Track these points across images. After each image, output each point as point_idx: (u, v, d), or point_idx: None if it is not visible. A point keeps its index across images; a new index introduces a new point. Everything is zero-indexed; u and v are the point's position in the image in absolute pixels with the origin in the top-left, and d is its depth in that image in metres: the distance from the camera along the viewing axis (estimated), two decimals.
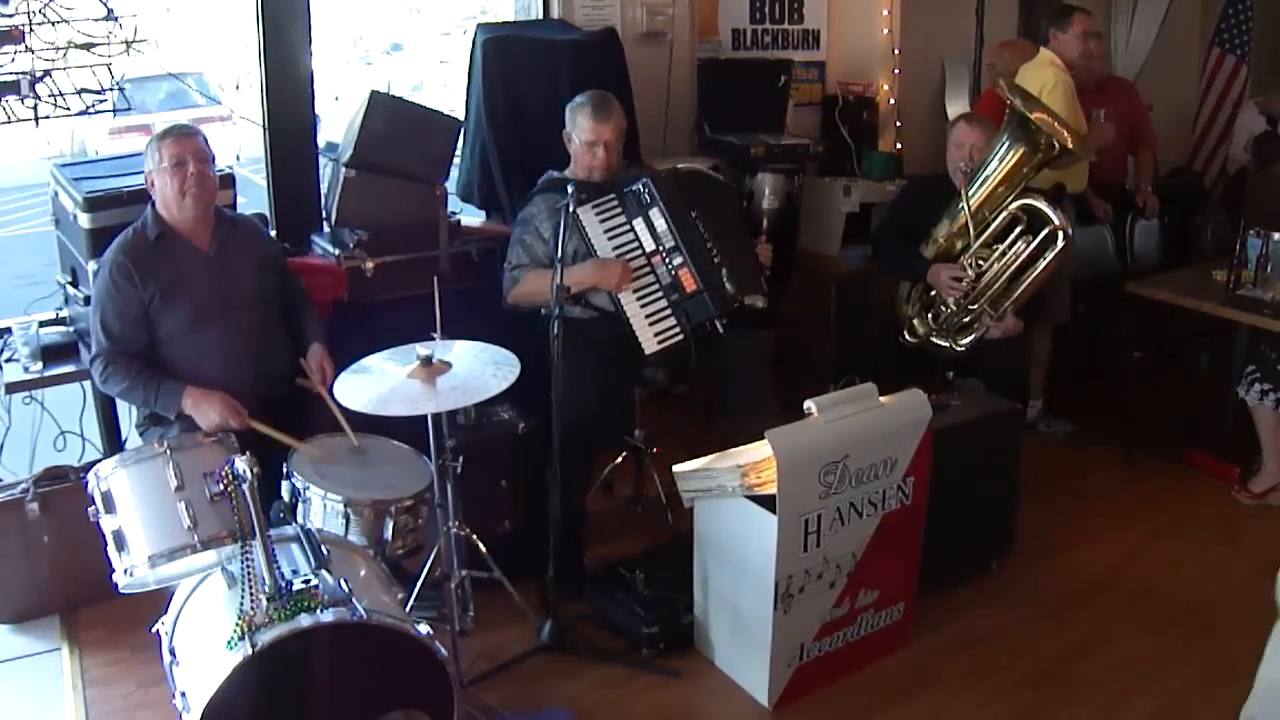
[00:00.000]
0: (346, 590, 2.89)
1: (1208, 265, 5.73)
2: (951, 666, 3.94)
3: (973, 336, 4.79)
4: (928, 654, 4.01)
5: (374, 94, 4.68)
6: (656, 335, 4.16)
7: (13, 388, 4.23)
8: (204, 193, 3.80)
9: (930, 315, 4.91)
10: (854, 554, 3.69)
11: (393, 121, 4.66)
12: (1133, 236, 6.54)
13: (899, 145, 6.65)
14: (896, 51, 6.57)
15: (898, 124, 6.64)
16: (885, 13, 6.52)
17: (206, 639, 2.90)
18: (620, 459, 4.91)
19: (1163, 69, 7.73)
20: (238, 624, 2.77)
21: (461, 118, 5.10)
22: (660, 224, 4.16)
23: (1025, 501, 4.62)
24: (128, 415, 4.26)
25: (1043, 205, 4.58)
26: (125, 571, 3.16)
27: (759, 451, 3.51)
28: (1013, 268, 4.67)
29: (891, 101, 6.61)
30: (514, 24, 5.62)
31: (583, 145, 4.32)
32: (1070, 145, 4.55)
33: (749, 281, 4.29)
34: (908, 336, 4.96)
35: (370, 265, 4.59)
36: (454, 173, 5.16)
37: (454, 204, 5.11)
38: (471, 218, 5.30)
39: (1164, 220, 6.66)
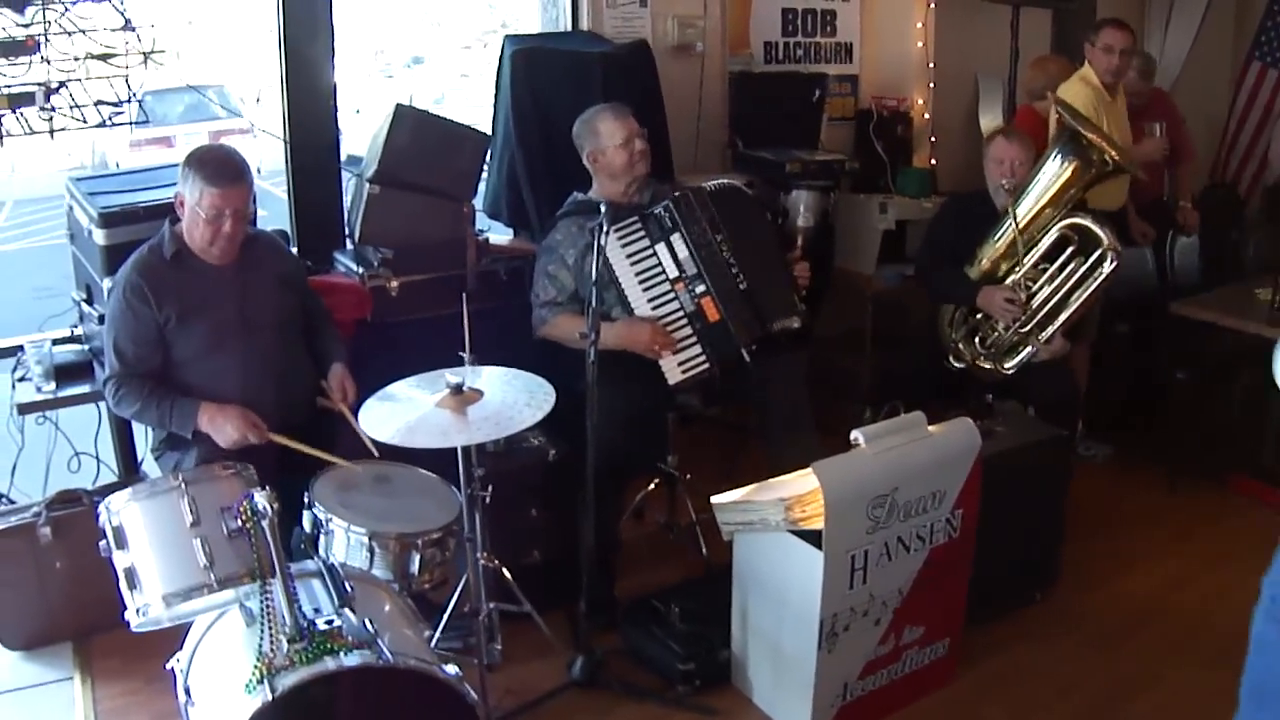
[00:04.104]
0: (371, 631, 2.77)
1: (1250, 283, 5.61)
2: (996, 704, 3.81)
3: (1020, 359, 4.66)
4: (972, 691, 3.88)
5: (399, 107, 4.56)
6: (681, 365, 4.04)
7: (25, 409, 4.16)
8: (232, 246, 3.71)
9: (977, 338, 4.77)
10: (900, 590, 3.57)
11: (418, 136, 4.54)
12: (1173, 254, 6.42)
13: (933, 161, 6.53)
14: (931, 66, 6.46)
15: (932, 139, 6.52)
16: (919, 26, 6.43)
17: (224, 680, 2.79)
18: (652, 486, 4.76)
19: (1196, 82, 7.61)
20: (257, 666, 2.65)
21: (487, 132, 4.98)
22: (682, 250, 4.02)
23: (1067, 528, 4.49)
24: (144, 436, 4.15)
25: (1093, 225, 4.47)
26: (138, 611, 3.03)
27: (803, 484, 3.39)
28: (1065, 289, 4.55)
29: (926, 116, 6.49)
30: (543, 36, 5.52)
31: (618, 148, 4.17)
32: (1121, 162, 4.45)
33: (779, 306, 4.16)
34: (953, 361, 4.82)
35: (395, 284, 4.47)
36: (481, 189, 5.04)
37: (481, 221, 5.00)
38: (499, 235, 5.18)
39: (1203, 237, 6.54)
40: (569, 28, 5.59)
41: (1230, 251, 6.89)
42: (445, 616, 3.70)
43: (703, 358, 4.04)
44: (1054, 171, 4.53)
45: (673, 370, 4.03)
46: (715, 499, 3.60)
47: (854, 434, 3.41)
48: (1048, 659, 4.06)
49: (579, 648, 3.77)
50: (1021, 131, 4.97)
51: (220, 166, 3.64)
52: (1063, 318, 4.57)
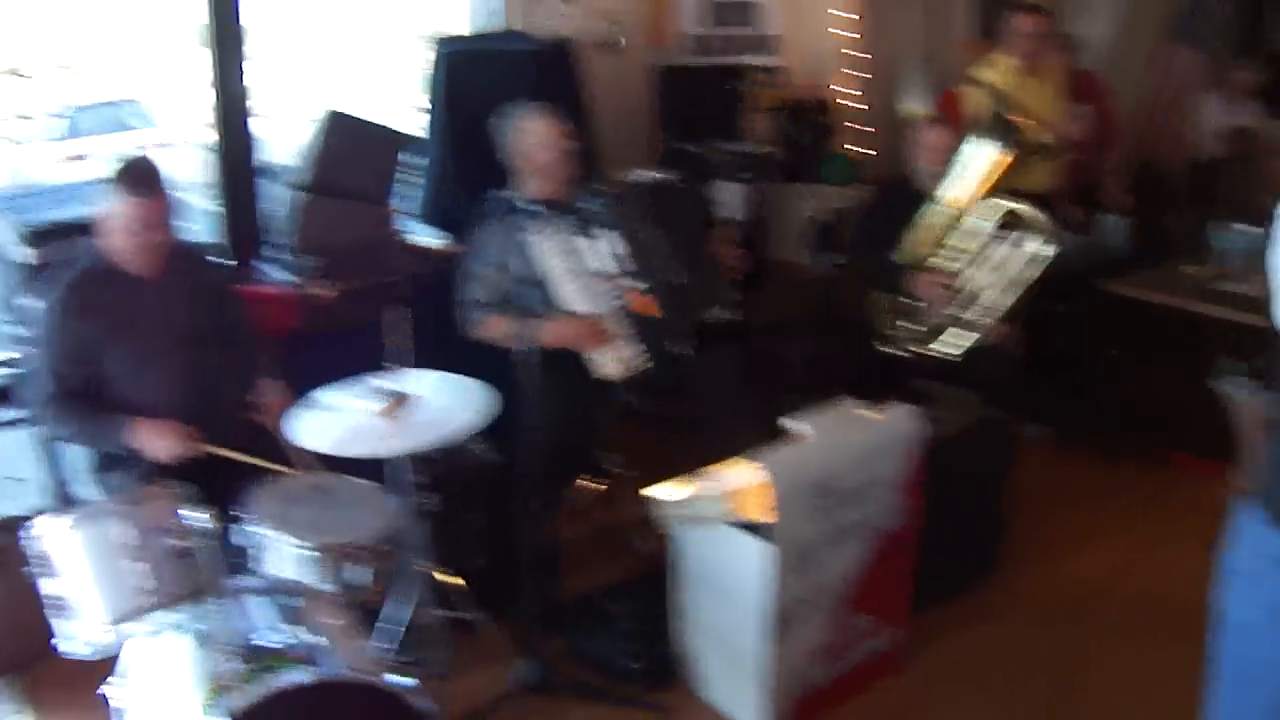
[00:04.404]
0: (320, 645, 2.73)
1: (1177, 260, 5.68)
2: (949, 688, 3.83)
3: (964, 344, 4.67)
4: (923, 676, 3.89)
5: (329, 114, 4.51)
6: (617, 361, 4.02)
7: None
8: (157, 257, 3.62)
9: (910, 323, 4.78)
10: (847, 579, 3.57)
11: (348, 142, 4.51)
12: (1103, 234, 6.47)
13: (858, 149, 6.54)
14: (854, 54, 6.47)
15: (856, 127, 6.54)
16: (842, 15, 6.44)
17: (172, 707, 2.74)
18: (592, 485, 4.73)
19: (1119, 63, 7.67)
20: (206, 689, 2.62)
21: (417, 135, 4.94)
22: (616, 246, 4.00)
23: (1010, 511, 4.53)
24: (79, 460, 4.06)
25: (1023, 208, 4.49)
26: (76, 638, 2.95)
27: (743, 475, 3.38)
28: (1000, 273, 4.56)
29: (850, 105, 6.50)
30: (471, 38, 5.49)
31: (546, 147, 4.14)
32: (1049, 143, 4.47)
33: (713, 299, 4.17)
34: (887, 346, 4.82)
35: (326, 292, 4.41)
36: (416, 193, 5.00)
37: (413, 225, 4.95)
38: (431, 239, 5.13)
39: (1131, 216, 6.59)
40: (500, 27, 5.55)
41: (1158, 230, 6.96)
42: (390, 627, 3.64)
43: (639, 352, 4.02)
44: (980, 154, 4.53)
45: (609, 366, 4.01)
46: (655, 493, 3.59)
47: (795, 423, 3.40)
48: (997, 642, 4.08)
49: (526, 652, 3.73)
50: (948, 117, 4.99)
51: (138, 176, 3.57)
52: (1004, 303, 4.58)
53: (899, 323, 4.79)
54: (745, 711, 3.55)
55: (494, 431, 3.82)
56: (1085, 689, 3.81)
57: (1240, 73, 7.61)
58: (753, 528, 3.33)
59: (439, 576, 3.70)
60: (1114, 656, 3.97)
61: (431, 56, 5.03)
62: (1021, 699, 3.77)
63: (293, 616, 2.83)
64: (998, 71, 5.42)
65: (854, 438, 3.50)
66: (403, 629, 3.64)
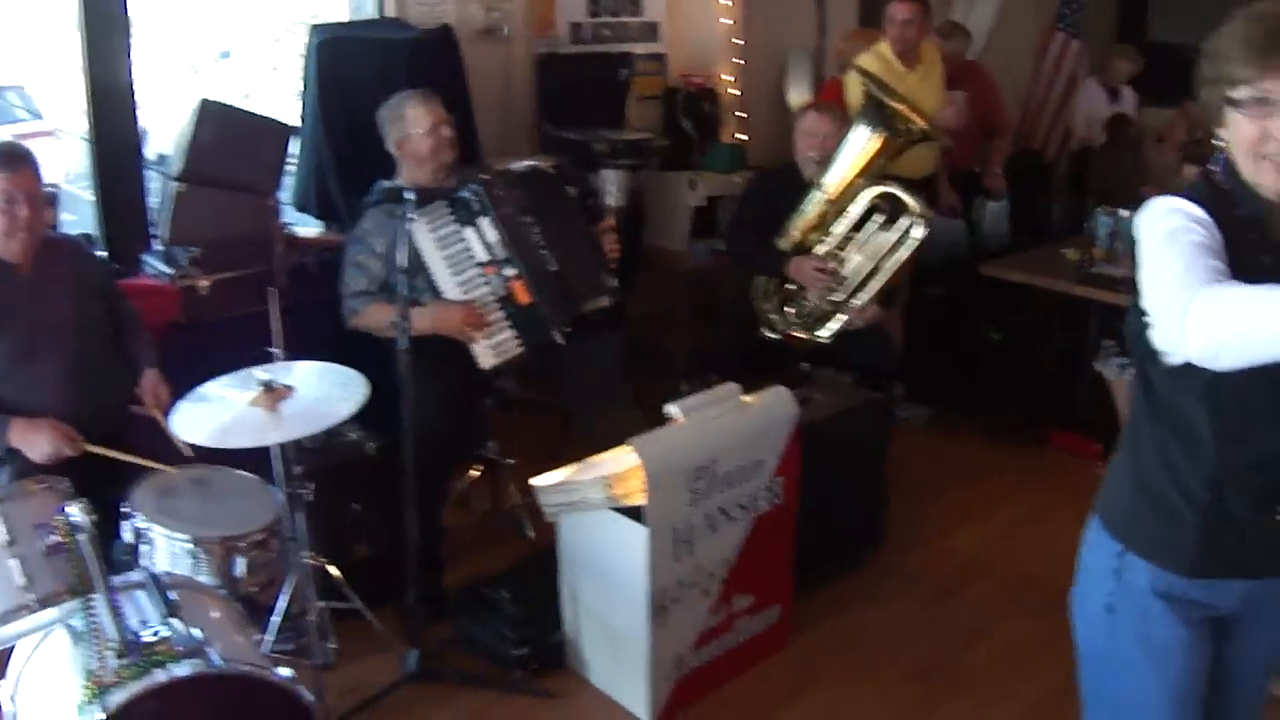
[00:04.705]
0: (200, 638, 2.70)
1: (1057, 244, 5.79)
2: (833, 666, 3.88)
3: (835, 327, 4.73)
4: (808, 655, 3.94)
5: (203, 103, 4.45)
6: (493, 348, 3.98)
7: None
8: (33, 236, 3.52)
9: (790, 308, 4.83)
10: (727, 560, 3.61)
11: (223, 131, 4.44)
12: (982, 219, 6.59)
13: (742, 136, 6.59)
14: (738, 42, 6.51)
15: (740, 115, 6.58)
16: (725, 3, 6.47)
17: (54, 705, 2.68)
18: (474, 473, 4.73)
19: (1001, 52, 7.80)
20: (86, 686, 2.57)
21: (294, 124, 4.89)
22: (491, 234, 3.96)
23: (890, 489, 4.61)
24: None
25: (901, 192, 4.55)
26: None
27: (622, 460, 3.42)
28: (874, 256, 4.62)
29: (734, 92, 6.54)
30: (347, 25, 5.42)
31: (425, 135, 4.11)
32: (927, 129, 4.54)
33: (590, 287, 4.15)
34: (767, 331, 4.87)
35: (205, 283, 4.36)
36: (291, 182, 4.94)
37: (291, 215, 4.90)
38: (309, 228, 5.09)
39: (1011, 201, 6.72)
40: (376, 15, 5.49)
41: (1038, 215, 7.10)
42: (275, 618, 3.62)
43: (515, 340, 4.00)
44: (860, 141, 4.58)
45: (485, 354, 3.98)
46: (536, 481, 3.60)
47: (669, 407, 3.44)
48: (880, 619, 4.15)
49: (412, 641, 3.72)
50: (832, 104, 5.05)
51: (3, 154, 3.51)
52: (875, 285, 4.64)
53: (779, 307, 4.84)
54: (630, 694, 3.58)
55: (376, 421, 3.83)
56: (968, 664, 3.88)
57: (1119, 61, 7.79)
58: (632, 512, 3.36)
59: (322, 567, 3.67)
60: (995, 631, 4.05)
61: (308, 44, 4.97)
62: (905, 675, 3.83)
63: (174, 610, 2.79)
64: (878, 59, 5.49)
65: (731, 421, 3.53)
66: (286, 620, 3.62)
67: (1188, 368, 1.85)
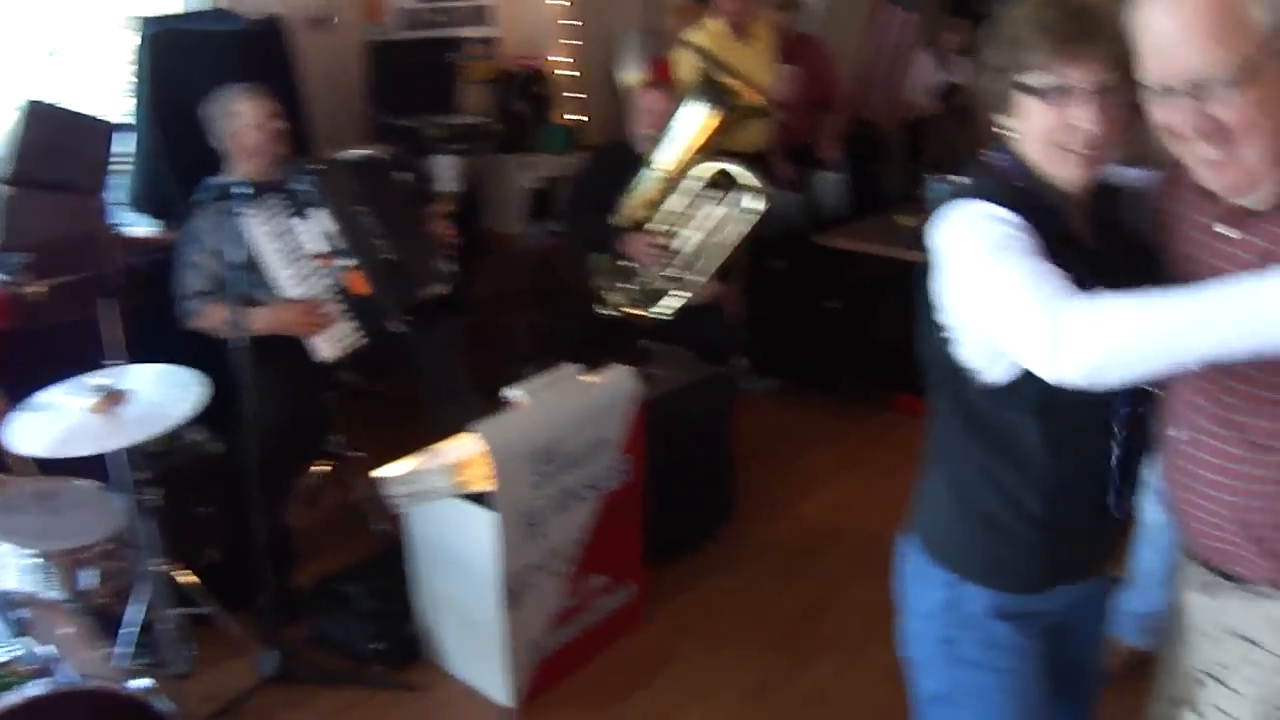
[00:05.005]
0: (51, 656, 2.65)
1: (892, 212, 5.90)
2: (691, 639, 3.92)
3: (673, 304, 4.77)
4: (665, 630, 3.98)
5: (29, 103, 4.33)
6: (332, 341, 3.96)
7: None
8: None
9: (627, 285, 4.87)
10: (578, 540, 3.63)
11: (51, 131, 4.31)
12: (818, 190, 6.69)
13: (575, 117, 6.60)
14: (569, 22, 6.51)
15: (573, 96, 6.60)
16: None
17: None
18: (321, 468, 4.68)
19: (836, 25, 7.89)
20: None
21: (125, 120, 4.78)
22: (326, 225, 3.91)
23: (740, 462, 4.66)
24: None
25: (736, 167, 4.60)
26: None
27: (467, 447, 3.40)
28: (710, 231, 4.67)
29: (566, 73, 6.54)
30: (177, 17, 5.30)
31: (255, 128, 4.04)
32: (760, 103, 4.60)
33: (427, 275, 4.14)
34: (603, 309, 4.91)
35: (36, 289, 4.24)
36: (125, 181, 4.84)
37: (125, 214, 4.80)
38: (144, 228, 4.98)
39: (847, 172, 6.83)
40: (207, 6, 5.37)
41: (873, 185, 7.22)
42: (128, 629, 3.56)
43: (354, 331, 3.97)
44: (694, 117, 4.62)
45: (325, 348, 3.94)
46: (381, 473, 3.56)
47: (511, 391, 3.45)
48: (735, 590, 4.20)
49: (269, 643, 3.67)
50: (668, 82, 5.09)
51: None
52: (713, 260, 4.69)
53: (617, 285, 4.87)
54: (489, 681, 3.58)
55: (219, 422, 3.78)
56: (823, 629, 3.94)
57: (951, 32, 7.95)
58: (480, 499, 3.35)
59: (173, 574, 3.59)
60: (848, 595, 4.12)
61: (136, 38, 4.86)
62: (763, 644, 3.88)
63: (22, 629, 2.74)
64: (708, 35, 5.53)
65: (573, 402, 3.55)
66: (140, 630, 3.52)
67: (1015, 384, 1.83)
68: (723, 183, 4.66)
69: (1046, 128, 1.82)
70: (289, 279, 3.90)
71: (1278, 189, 1.71)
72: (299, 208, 3.90)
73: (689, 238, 4.70)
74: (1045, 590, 2.08)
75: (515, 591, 3.43)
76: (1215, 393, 1.84)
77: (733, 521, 4.59)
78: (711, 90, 4.60)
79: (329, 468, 4.67)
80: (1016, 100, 1.85)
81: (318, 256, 3.92)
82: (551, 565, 3.55)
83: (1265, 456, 1.82)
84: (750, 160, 4.83)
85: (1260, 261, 1.72)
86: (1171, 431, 1.95)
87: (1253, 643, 1.95)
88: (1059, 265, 1.73)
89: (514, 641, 3.48)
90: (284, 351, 3.85)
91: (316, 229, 3.90)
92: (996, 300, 1.72)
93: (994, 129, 1.94)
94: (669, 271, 4.73)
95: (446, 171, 4.86)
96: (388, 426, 4.76)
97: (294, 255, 3.92)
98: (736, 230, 4.65)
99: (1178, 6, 1.62)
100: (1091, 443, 1.96)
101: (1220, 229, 1.81)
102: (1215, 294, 1.50)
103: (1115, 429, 1.95)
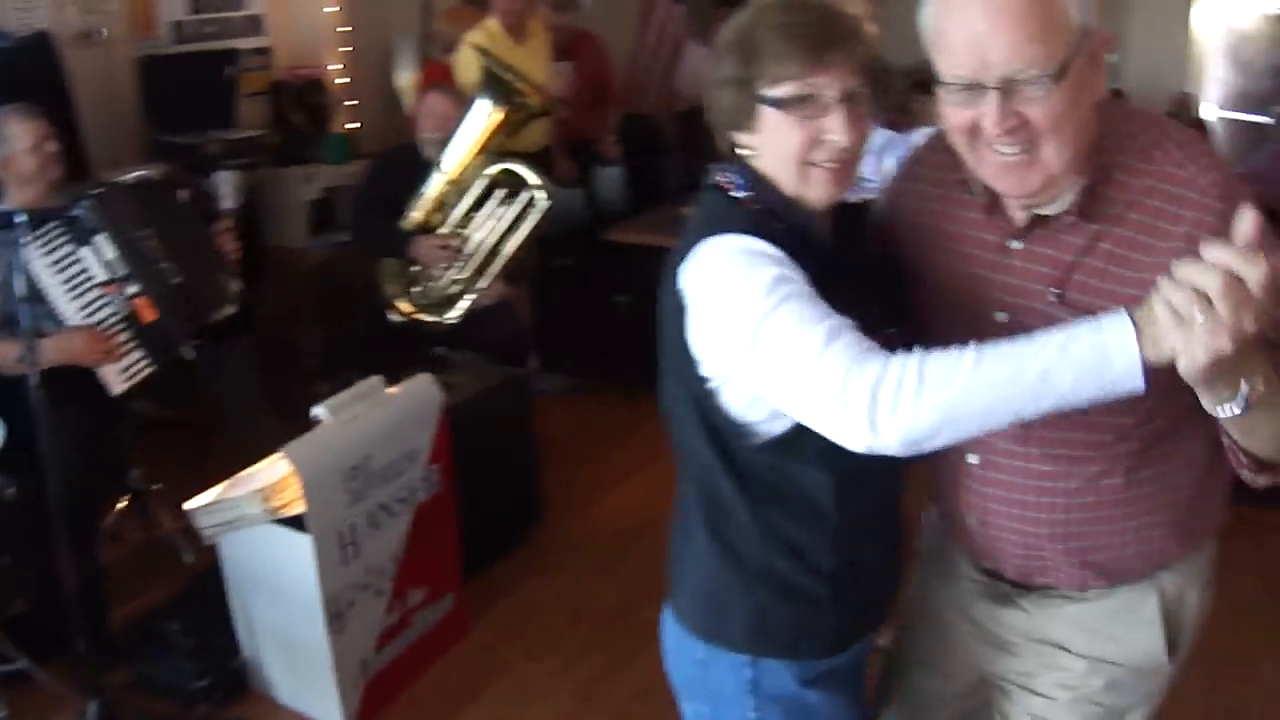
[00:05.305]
0: None
1: (674, 204, 5.97)
2: (515, 645, 3.94)
3: (463, 307, 4.78)
4: (489, 638, 3.98)
5: None
6: (122, 372, 3.79)
7: None
8: None
9: (416, 291, 4.86)
10: (395, 555, 3.60)
11: None
12: (600, 186, 6.75)
13: (353, 125, 6.53)
14: (343, 30, 6.42)
15: (350, 104, 6.52)
16: None
17: None
18: (123, 504, 4.50)
19: (609, 20, 7.92)
20: None
21: None
22: (109, 251, 3.77)
23: (543, 462, 4.68)
24: None
25: (520, 168, 4.65)
26: None
27: (275, 470, 3.36)
28: (497, 232, 4.70)
29: (342, 81, 6.46)
30: None
31: (28, 152, 3.85)
32: (545, 102, 4.63)
33: (215, 296, 4.03)
34: (394, 316, 4.89)
35: None
36: None
37: None
38: None
39: (626, 166, 6.90)
40: None
41: (651, 178, 7.30)
42: None
43: (144, 360, 3.84)
44: (479, 118, 4.64)
45: (115, 379, 3.78)
46: (189, 505, 3.46)
47: (317, 409, 3.40)
48: (552, 591, 4.22)
49: (89, 692, 3.47)
50: (452, 85, 5.08)
51: None
52: (500, 261, 4.73)
53: (408, 291, 4.87)
54: (321, 707, 3.51)
55: (15, 465, 3.63)
56: (644, 621, 3.92)
57: (720, 23, 8.05)
58: (293, 522, 3.30)
59: None
60: (660, 589, 4.14)
61: None
62: (586, 643, 3.91)
63: None
64: (487, 35, 5.53)
65: (377, 416, 3.51)
66: None
67: (794, 436, 1.71)
68: (507, 182, 4.69)
69: (797, 144, 1.71)
70: (73, 309, 3.74)
71: (1072, 193, 1.69)
72: (80, 234, 3.75)
73: (477, 239, 4.72)
74: (850, 647, 1.97)
75: (338, 613, 3.38)
76: None
77: (542, 523, 4.62)
78: (498, 90, 4.63)
79: (129, 502, 4.49)
80: (759, 115, 1.74)
81: (103, 284, 3.78)
82: (372, 583, 3.51)
83: (1077, 468, 1.81)
84: (532, 159, 4.86)
85: (1057, 272, 1.72)
86: (970, 459, 1.89)
87: (1061, 648, 1.97)
88: (823, 293, 1.64)
89: (342, 664, 3.43)
90: (76, 385, 3.71)
91: (99, 256, 3.76)
92: (783, 362, 1.59)
93: (731, 147, 1.83)
94: (459, 274, 4.74)
95: (225, 188, 4.73)
96: (184, 454, 4.66)
97: (78, 285, 3.76)
98: (522, 230, 4.68)
99: (993, 2, 1.56)
100: (879, 483, 1.88)
101: (1014, 244, 1.77)
102: (1052, 344, 1.44)
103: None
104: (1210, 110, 10.22)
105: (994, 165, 1.66)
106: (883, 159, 3.20)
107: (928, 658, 2.20)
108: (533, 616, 4.08)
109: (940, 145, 1.81)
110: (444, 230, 4.73)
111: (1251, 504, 4.64)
